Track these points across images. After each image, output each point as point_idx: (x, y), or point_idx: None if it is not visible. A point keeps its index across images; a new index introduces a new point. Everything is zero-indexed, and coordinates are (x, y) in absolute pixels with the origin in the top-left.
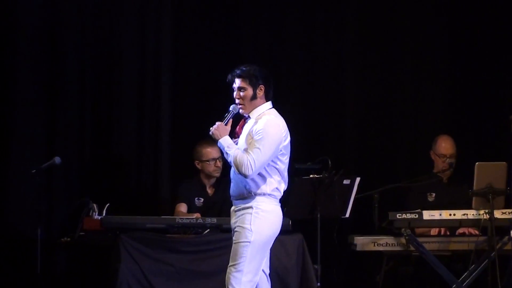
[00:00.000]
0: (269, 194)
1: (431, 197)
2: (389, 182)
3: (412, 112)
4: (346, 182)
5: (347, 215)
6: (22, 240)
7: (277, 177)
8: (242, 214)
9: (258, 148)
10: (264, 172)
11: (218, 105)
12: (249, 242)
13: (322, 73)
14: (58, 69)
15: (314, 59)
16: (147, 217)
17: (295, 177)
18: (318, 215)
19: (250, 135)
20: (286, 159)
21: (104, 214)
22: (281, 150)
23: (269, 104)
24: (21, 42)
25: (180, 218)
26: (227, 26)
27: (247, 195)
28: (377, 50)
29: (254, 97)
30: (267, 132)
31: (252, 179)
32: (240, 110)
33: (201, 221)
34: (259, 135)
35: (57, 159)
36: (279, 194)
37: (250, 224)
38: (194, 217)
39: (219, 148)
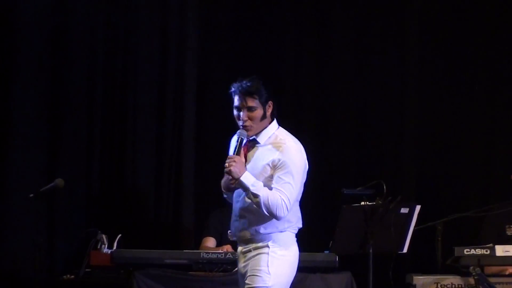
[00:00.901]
0: (286, 230)
1: (510, 230)
2: (455, 211)
3: (485, 128)
4: (404, 210)
5: (405, 250)
6: (18, 278)
7: (296, 210)
8: (256, 256)
9: (289, 184)
10: None
11: None
12: (268, 287)
13: (377, 85)
14: (62, 74)
15: (367, 68)
16: (166, 251)
17: (343, 205)
18: (371, 250)
19: (268, 165)
20: (302, 189)
21: (115, 247)
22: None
23: (275, 123)
24: (19, 42)
25: (206, 253)
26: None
27: (262, 235)
28: (443, 64)
29: (264, 116)
30: (294, 163)
31: (266, 216)
32: (249, 133)
33: (231, 256)
34: (285, 167)
35: (60, 182)
36: (297, 228)
37: (268, 267)
38: (223, 251)
39: (240, 186)
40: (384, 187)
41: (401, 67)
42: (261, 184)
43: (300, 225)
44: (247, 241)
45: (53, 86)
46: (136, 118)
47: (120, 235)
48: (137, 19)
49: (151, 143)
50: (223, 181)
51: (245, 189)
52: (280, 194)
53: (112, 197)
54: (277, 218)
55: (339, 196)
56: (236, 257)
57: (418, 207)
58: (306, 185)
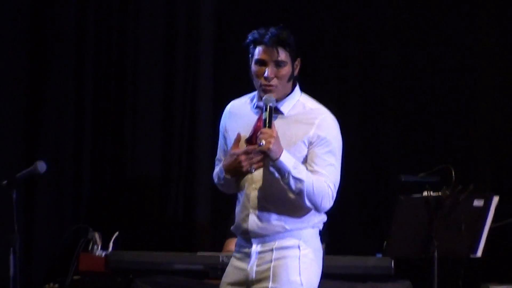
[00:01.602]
0: (317, 226)
1: None
2: None
3: None
4: (477, 203)
5: (479, 253)
6: None
7: None
8: (281, 260)
9: (333, 166)
10: None
11: None
12: None
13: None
14: (44, 46)
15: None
16: (176, 253)
17: (400, 196)
18: (435, 253)
19: (303, 143)
20: None
21: (110, 249)
22: None
23: (298, 88)
24: None
25: (227, 256)
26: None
27: (291, 231)
28: None
29: (291, 77)
30: (337, 140)
31: (297, 207)
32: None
33: None
34: (327, 145)
35: (41, 165)
36: (322, 223)
37: (300, 275)
38: None
39: (277, 169)
40: (453, 173)
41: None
42: (303, 166)
43: (321, 224)
44: (267, 239)
45: (33, 43)
46: (137, 87)
47: (117, 233)
48: None
49: (156, 120)
50: (227, 162)
51: (283, 172)
52: (325, 180)
53: (107, 186)
54: (319, 210)
55: (395, 184)
56: (237, 255)
57: (495, 199)
58: (353, 171)
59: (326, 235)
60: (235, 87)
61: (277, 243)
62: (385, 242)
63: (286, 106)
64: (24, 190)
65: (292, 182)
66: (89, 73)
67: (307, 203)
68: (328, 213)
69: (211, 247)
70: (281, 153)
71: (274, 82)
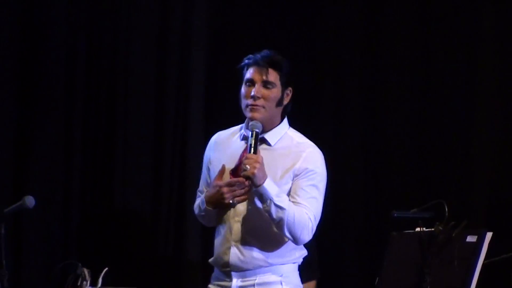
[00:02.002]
0: (297, 261)
1: None
2: None
3: None
4: (470, 239)
5: None
6: None
7: None
8: None
9: (315, 199)
10: None
11: None
12: None
13: (442, 80)
14: (33, 60)
15: (430, 67)
16: None
17: (393, 232)
18: None
19: (289, 175)
20: None
21: (99, 285)
22: None
23: (286, 121)
24: None
25: None
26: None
27: (272, 266)
28: None
29: (279, 103)
30: (321, 174)
31: (278, 241)
32: (255, 115)
33: None
34: (311, 178)
35: (29, 200)
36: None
37: None
38: None
39: (260, 195)
40: (446, 208)
41: (470, 64)
42: (286, 196)
43: (301, 259)
44: (248, 273)
45: (22, 75)
46: (127, 119)
47: (106, 269)
48: None
49: (146, 151)
50: (210, 194)
51: (266, 199)
52: (306, 211)
53: (97, 221)
54: (298, 241)
55: (388, 220)
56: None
57: (489, 235)
58: (346, 206)
59: (317, 271)
60: (226, 118)
61: (258, 278)
62: (377, 278)
63: (273, 138)
64: (12, 225)
65: (273, 209)
66: (79, 106)
67: (287, 233)
68: (320, 248)
69: (201, 284)
70: (265, 179)
71: (260, 102)
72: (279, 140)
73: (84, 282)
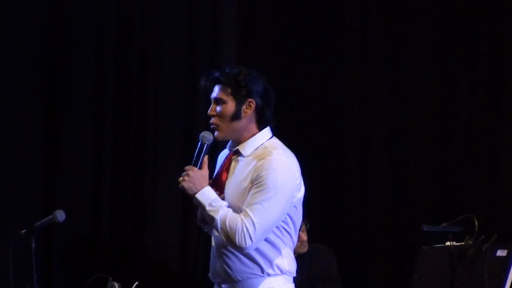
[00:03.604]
0: (286, 273)
1: None
2: None
3: None
4: (500, 253)
5: None
6: None
7: (292, 246)
8: None
9: (260, 205)
10: (276, 240)
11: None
12: None
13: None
14: (60, 75)
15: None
16: None
17: (423, 246)
18: None
19: (248, 182)
20: (299, 219)
21: None
22: (295, 207)
23: (267, 131)
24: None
25: None
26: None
27: (256, 276)
28: None
29: (236, 116)
30: (274, 180)
31: (261, 252)
32: (216, 134)
33: None
34: (261, 184)
35: (60, 214)
36: (294, 270)
37: None
38: None
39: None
40: (476, 223)
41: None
42: (224, 203)
43: (294, 272)
44: (238, 285)
45: (50, 89)
46: (158, 132)
47: (137, 283)
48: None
49: (176, 165)
50: (199, 211)
51: (202, 209)
52: (242, 217)
53: (127, 235)
54: (237, 247)
55: (418, 234)
56: None
57: None
58: (376, 221)
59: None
60: None
61: None
62: None
63: (247, 149)
64: (43, 239)
65: (208, 218)
66: (109, 120)
67: (226, 240)
68: (348, 262)
69: None
70: (199, 190)
71: (215, 120)
72: (254, 150)
73: None
